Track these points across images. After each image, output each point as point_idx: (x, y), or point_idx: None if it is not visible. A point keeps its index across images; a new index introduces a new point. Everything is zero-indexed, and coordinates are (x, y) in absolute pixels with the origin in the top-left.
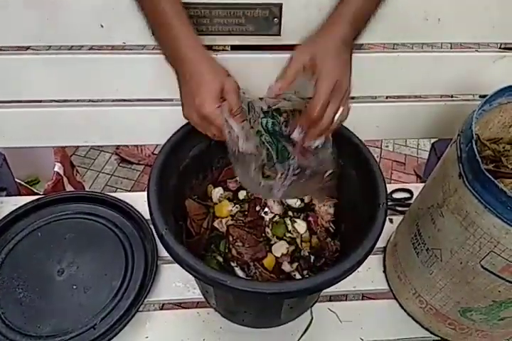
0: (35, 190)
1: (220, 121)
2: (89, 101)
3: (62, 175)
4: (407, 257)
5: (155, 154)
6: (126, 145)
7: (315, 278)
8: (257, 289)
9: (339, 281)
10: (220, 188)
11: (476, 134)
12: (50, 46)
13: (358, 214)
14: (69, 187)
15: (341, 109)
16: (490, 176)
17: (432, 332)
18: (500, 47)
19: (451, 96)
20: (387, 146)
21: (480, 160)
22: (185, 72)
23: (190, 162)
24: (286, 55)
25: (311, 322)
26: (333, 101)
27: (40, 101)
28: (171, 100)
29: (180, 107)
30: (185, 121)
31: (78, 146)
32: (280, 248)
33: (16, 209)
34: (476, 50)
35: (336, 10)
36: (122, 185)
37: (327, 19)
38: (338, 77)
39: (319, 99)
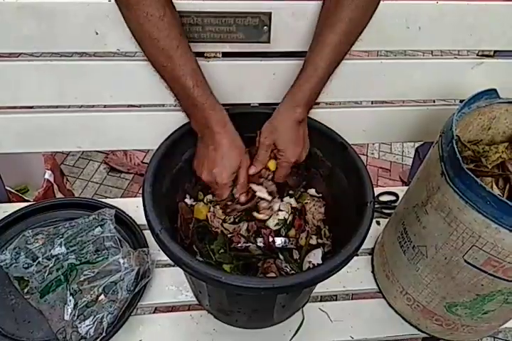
0: (26, 198)
1: (225, 190)
2: (81, 106)
3: (53, 182)
4: (394, 256)
5: (144, 163)
6: (115, 154)
7: (307, 273)
8: (250, 284)
9: (330, 276)
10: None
11: (456, 136)
12: (42, 52)
13: (347, 214)
14: (59, 195)
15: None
16: (470, 173)
17: (419, 329)
18: (478, 54)
19: (434, 101)
20: (372, 153)
21: (460, 158)
22: (211, 142)
23: (183, 165)
24: (275, 62)
25: (302, 322)
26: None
27: (32, 107)
28: (163, 105)
29: (172, 113)
30: (178, 125)
31: (69, 152)
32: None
33: (7, 216)
34: (455, 57)
35: (290, 94)
36: (111, 194)
37: (284, 100)
38: (298, 152)
39: (282, 172)
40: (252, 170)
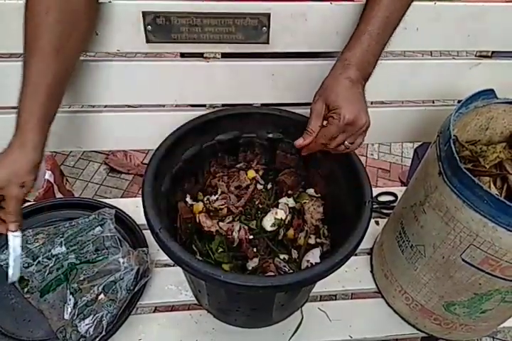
0: (26, 198)
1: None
2: (82, 106)
3: (53, 182)
4: (393, 255)
5: (144, 163)
6: (115, 155)
7: (305, 272)
8: (249, 283)
9: (328, 275)
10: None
11: (454, 136)
12: None
13: (346, 213)
14: (59, 195)
15: (354, 141)
16: (467, 172)
17: (418, 329)
18: (476, 55)
19: (433, 102)
20: (372, 154)
21: (458, 157)
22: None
23: (182, 165)
24: (274, 63)
25: (301, 321)
26: (347, 131)
27: None
28: (163, 105)
29: (172, 113)
30: (177, 125)
31: (69, 153)
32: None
33: None
34: (454, 58)
35: (341, 54)
36: (111, 195)
37: (336, 62)
38: (356, 111)
39: (330, 131)
40: (299, 142)
